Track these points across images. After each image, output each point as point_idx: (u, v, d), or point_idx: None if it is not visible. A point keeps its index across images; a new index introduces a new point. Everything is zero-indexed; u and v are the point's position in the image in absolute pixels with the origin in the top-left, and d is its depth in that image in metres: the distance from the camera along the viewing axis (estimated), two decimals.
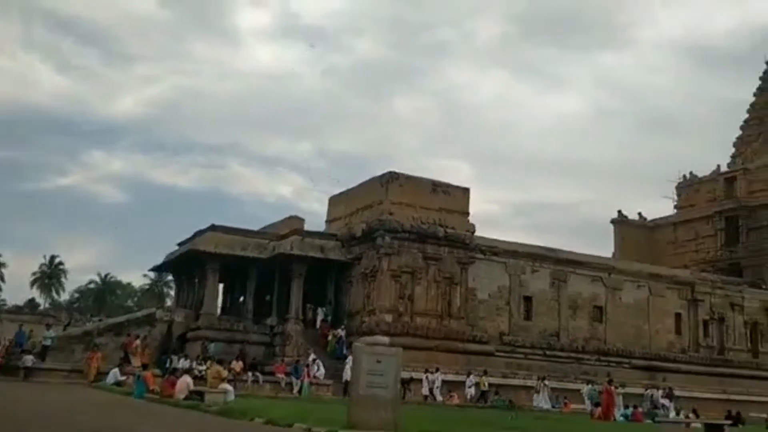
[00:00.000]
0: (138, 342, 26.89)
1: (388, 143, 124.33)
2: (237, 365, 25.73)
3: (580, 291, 33.56)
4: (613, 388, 25.31)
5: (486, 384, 27.85)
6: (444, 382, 27.15)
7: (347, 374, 22.20)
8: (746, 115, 54.26)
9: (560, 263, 33.16)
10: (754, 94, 54.73)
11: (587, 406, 27.77)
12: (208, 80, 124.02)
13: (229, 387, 18.24)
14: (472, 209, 31.52)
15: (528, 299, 32.40)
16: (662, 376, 33.57)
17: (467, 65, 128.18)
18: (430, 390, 26.33)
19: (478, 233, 31.24)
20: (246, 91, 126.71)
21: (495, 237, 32.50)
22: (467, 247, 30.57)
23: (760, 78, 54.91)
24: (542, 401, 28.04)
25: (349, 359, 20.33)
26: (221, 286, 34.49)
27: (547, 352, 31.67)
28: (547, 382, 28.83)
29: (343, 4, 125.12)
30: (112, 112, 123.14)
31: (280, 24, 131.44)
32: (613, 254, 48.52)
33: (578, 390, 29.59)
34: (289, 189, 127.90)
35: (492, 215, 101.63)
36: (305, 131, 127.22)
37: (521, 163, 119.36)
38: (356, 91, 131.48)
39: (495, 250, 31.62)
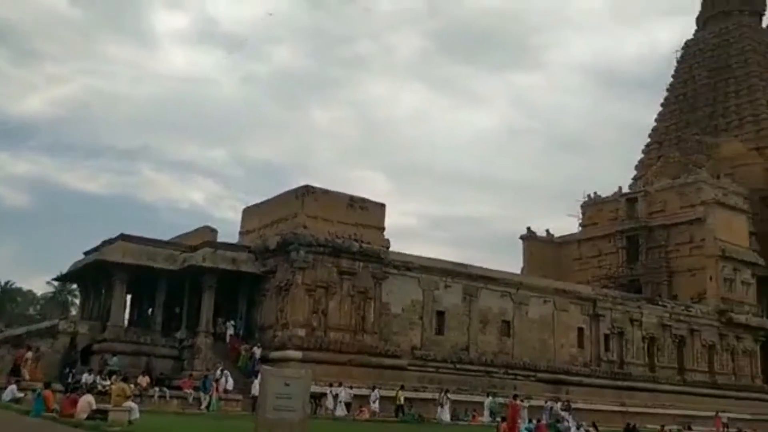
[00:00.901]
0: (30, 354, 25.42)
1: (305, 153, 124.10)
2: (143, 380, 25.06)
3: (490, 306, 34.35)
4: (519, 402, 26.04)
5: (402, 398, 28.09)
6: (356, 396, 27.25)
7: (256, 389, 22.00)
8: (648, 140, 57.32)
9: (471, 279, 33.87)
10: (656, 120, 57.89)
11: (486, 417, 28.64)
12: (122, 82, 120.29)
13: (133, 405, 17.72)
14: (388, 222, 31.98)
15: (440, 314, 32.92)
16: (566, 389, 34.76)
17: (385, 78, 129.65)
18: (334, 405, 26.35)
19: (395, 245, 31.69)
20: (161, 94, 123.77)
21: (411, 250, 33.01)
22: (382, 261, 30.88)
23: (662, 104, 58.12)
24: (445, 414, 28.55)
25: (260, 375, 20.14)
26: (129, 297, 33.51)
27: (458, 366, 32.26)
28: (450, 395, 29.36)
29: (262, 12, 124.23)
30: (18, 111, 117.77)
31: (198, 29, 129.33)
32: (522, 269, 50.07)
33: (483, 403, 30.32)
34: (203, 196, 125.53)
35: (409, 228, 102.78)
36: (222, 138, 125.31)
37: (438, 177, 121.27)
38: (274, 100, 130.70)
39: (409, 265, 32.04)
